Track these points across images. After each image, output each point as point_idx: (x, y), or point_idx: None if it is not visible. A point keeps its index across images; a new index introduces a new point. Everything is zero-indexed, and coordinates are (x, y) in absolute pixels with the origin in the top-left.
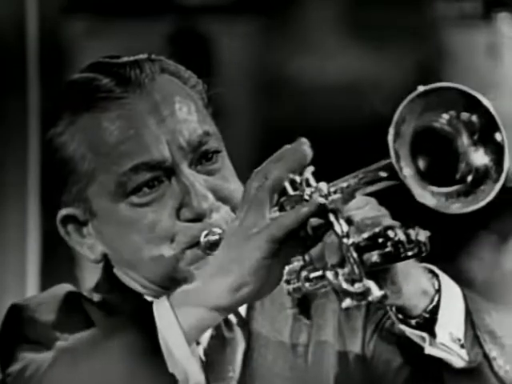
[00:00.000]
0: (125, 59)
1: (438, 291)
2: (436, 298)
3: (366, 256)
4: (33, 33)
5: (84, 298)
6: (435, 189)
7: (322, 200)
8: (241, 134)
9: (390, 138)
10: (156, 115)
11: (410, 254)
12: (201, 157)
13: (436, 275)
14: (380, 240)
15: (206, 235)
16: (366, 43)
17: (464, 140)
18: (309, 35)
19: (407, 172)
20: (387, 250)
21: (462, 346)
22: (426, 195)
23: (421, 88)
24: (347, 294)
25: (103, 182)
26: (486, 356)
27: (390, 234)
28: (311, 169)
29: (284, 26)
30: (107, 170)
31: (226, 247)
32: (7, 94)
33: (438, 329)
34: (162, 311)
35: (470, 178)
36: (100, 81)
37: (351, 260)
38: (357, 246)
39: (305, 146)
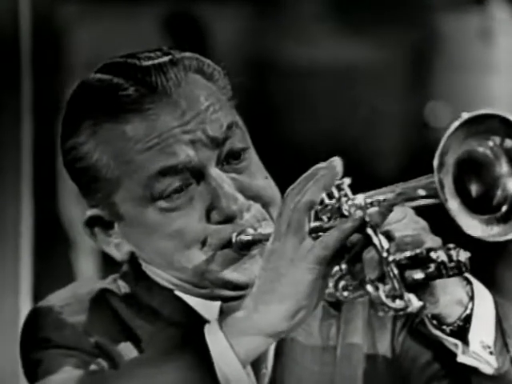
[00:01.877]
0: (148, 63)
1: (472, 299)
2: (470, 306)
3: (407, 273)
4: (26, 17)
5: (110, 292)
6: (475, 216)
7: (362, 214)
8: None
9: (435, 164)
10: (180, 120)
11: (451, 273)
12: (228, 155)
13: (470, 282)
14: (422, 260)
15: (238, 235)
16: (359, 28)
17: (503, 167)
18: (301, 20)
19: (449, 197)
20: (429, 270)
21: (492, 353)
22: (467, 221)
23: (465, 115)
24: (387, 307)
25: (129, 188)
26: None
27: (433, 255)
28: (348, 181)
29: (276, 10)
30: (133, 176)
31: (273, 270)
32: (1, 81)
33: (471, 337)
34: (216, 340)
35: (505, 207)
36: (125, 90)
37: (392, 275)
38: (397, 263)
39: (337, 165)
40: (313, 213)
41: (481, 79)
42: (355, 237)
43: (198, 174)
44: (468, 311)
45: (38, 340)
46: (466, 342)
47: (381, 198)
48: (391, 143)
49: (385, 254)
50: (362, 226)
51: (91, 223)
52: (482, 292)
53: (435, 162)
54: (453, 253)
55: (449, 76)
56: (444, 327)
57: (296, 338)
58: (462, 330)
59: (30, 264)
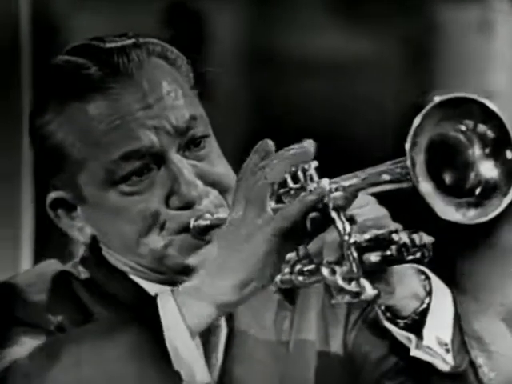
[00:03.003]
0: (112, 45)
1: (429, 294)
2: (426, 301)
3: (365, 256)
4: (25, 8)
5: (72, 275)
6: (448, 199)
7: (324, 189)
8: (231, 109)
9: (408, 145)
10: (143, 103)
11: (412, 258)
12: (189, 142)
13: (428, 277)
14: (383, 242)
15: (196, 220)
16: (356, 19)
17: (476, 151)
18: (298, 11)
19: (422, 181)
20: (389, 252)
21: (448, 351)
22: (440, 205)
23: (437, 99)
24: (341, 291)
25: (93, 170)
26: (471, 362)
27: (395, 237)
28: (315, 164)
29: (274, 1)
30: (96, 159)
31: (229, 242)
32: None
33: (426, 332)
34: (167, 308)
35: (478, 190)
36: (88, 69)
37: (351, 259)
38: (358, 246)
39: (308, 146)
40: (274, 195)
41: (480, 71)
42: (317, 219)
43: (159, 159)
44: (424, 306)
45: (4, 316)
46: (420, 336)
47: (346, 183)
48: (390, 135)
49: (346, 237)
50: (324, 208)
51: (55, 205)
52: (440, 288)
53: (407, 143)
54: (415, 236)
55: (448, 68)
56: (398, 320)
57: (249, 331)
58: (416, 325)
59: (30, 253)
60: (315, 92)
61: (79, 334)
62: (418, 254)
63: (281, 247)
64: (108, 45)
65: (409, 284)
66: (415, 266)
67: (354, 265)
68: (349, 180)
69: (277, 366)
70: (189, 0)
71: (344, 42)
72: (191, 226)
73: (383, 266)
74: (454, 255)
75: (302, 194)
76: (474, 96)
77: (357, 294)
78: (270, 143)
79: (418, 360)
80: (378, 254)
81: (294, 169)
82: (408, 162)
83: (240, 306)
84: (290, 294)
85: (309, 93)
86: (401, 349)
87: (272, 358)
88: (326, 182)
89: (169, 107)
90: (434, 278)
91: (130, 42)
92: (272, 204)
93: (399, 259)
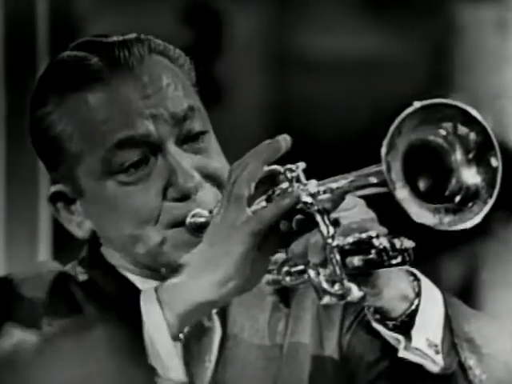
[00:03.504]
0: (114, 39)
1: (419, 295)
2: (416, 302)
3: (348, 259)
4: (43, 8)
5: (69, 276)
6: (425, 204)
7: (299, 192)
8: (251, 108)
9: (384, 150)
10: (141, 93)
11: (393, 262)
12: (187, 136)
13: (417, 279)
14: (364, 246)
15: (193, 216)
16: (375, 20)
17: (458, 156)
18: (320, 12)
19: (398, 185)
20: (370, 256)
21: (438, 352)
22: (416, 209)
23: (417, 104)
24: (326, 293)
25: (90, 163)
26: (461, 364)
27: (375, 241)
28: (302, 165)
29: (296, 1)
30: (93, 151)
31: (211, 241)
32: (18, 71)
33: (415, 333)
34: (149, 304)
35: (459, 197)
36: (89, 61)
37: (334, 262)
38: (341, 249)
39: (281, 141)
40: (260, 191)
41: (498, 69)
42: (303, 220)
43: (156, 149)
44: (413, 307)
45: None
46: (408, 337)
47: (334, 185)
48: None
49: (329, 240)
50: (309, 211)
51: (54, 199)
52: (430, 289)
53: (384, 143)
54: (396, 241)
55: (465, 67)
56: (387, 322)
57: (242, 333)
58: (405, 326)
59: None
60: (335, 91)
61: (63, 325)
62: (399, 259)
63: (260, 246)
64: (110, 39)
65: (397, 286)
66: (404, 267)
67: (337, 267)
68: (336, 182)
69: (270, 368)
70: (210, 1)
71: (363, 42)
72: (187, 222)
73: (366, 269)
74: (443, 257)
75: (278, 198)
76: (454, 102)
77: (342, 296)
78: (265, 143)
79: (409, 362)
80: (360, 257)
81: (282, 170)
82: (384, 167)
83: (234, 309)
84: (284, 297)
85: (329, 92)
86: (393, 351)
87: (265, 361)
88: (313, 183)
89: (168, 97)
90: (424, 280)
91: (132, 37)
92: (263, 203)
93: (380, 263)
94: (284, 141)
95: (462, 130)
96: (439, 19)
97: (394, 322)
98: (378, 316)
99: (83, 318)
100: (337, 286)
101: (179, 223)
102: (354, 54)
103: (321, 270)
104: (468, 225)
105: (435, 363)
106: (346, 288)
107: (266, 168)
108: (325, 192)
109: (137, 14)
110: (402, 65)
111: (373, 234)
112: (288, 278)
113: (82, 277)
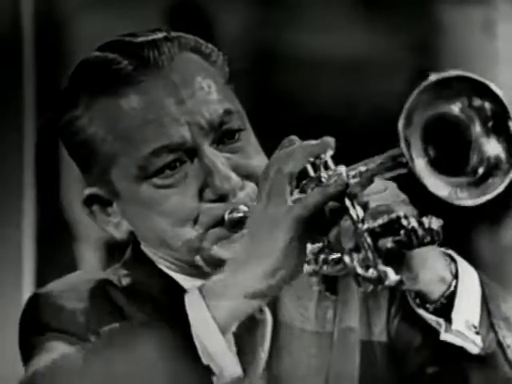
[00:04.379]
0: (142, 39)
1: (456, 277)
2: (453, 284)
3: (380, 242)
4: (28, 7)
5: (109, 282)
6: (446, 179)
7: (345, 180)
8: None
9: (401, 126)
10: (175, 97)
11: (422, 241)
12: (223, 135)
13: (454, 260)
14: (393, 227)
15: (231, 212)
16: (363, 20)
17: (477, 128)
18: (307, 10)
19: (418, 161)
20: (400, 237)
21: (477, 333)
22: (438, 185)
23: (432, 77)
24: (362, 278)
25: (125, 165)
26: (499, 343)
27: (403, 221)
28: (330, 152)
29: (285, 1)
30: (128, 154)
31: (254, 234)
32: (2, 71)
33: (454, 315)
34: (194, 304)
35: (481, 169)
36: (118, 64)
37: (365, 245)
38: (372, 232)
39: (329, 141)
40: (295, 184)
41: (484, 70)
42: (334, 206)
43: (192, 152)
44: (452, 289)
45: (36, 325)
46: (449, 320)
47: (362, 168)
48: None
49: (359, 224)
50: (341, 195)
51: (90, 202)
52: (467, 270)
53: (401, 119)
54: (425, 220)
55: (452, 67)
56: (427, 305)
57: (293, 323)
58: (445, 309)
59: (32, 258)
60: (323, 89)
61: (109, 333)
62: (428, 238)
63: (302, 235)
64: (139, 39)
65: (433, 268)
66: (440, 249)
67: (369, 251)
68: (365, 165)
69: (322, 356)
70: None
71: (349, 41)
72: (226, 218)
73: (398, 251)
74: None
75: (324, 185)
76: (470, 74)
77: (378, 281)
78: (295, 138)
79: (451, 345)
80: (390, 239)
81: (311, 159)
82: (402, 140)
83: (283, 299)
84: (331, 285)
85: (316, 90)
86: (436, 335)
87: (318, 348)
88: (342, 169)
89: (202, 102)
90: (460, 261)
91: (161, 35)
92: (296, 194)
93: (410, 243)
94: (331, 142)
95: (478, 100)
96: (427, 20)
97: (433, 305)
98: (418, 300)
99: (128, 324)
100: (372, 271)
101: (219, 223)
102: (342, 54)
103: (355, 256)
104: (490, 197)
105: (475, 344)
106: (381, 272)
107: None
108: (354, 177)
109: (123, 14)
110: (390, 64)
111: (400, 214)
112: (325, 267)
113: (125, 280)
